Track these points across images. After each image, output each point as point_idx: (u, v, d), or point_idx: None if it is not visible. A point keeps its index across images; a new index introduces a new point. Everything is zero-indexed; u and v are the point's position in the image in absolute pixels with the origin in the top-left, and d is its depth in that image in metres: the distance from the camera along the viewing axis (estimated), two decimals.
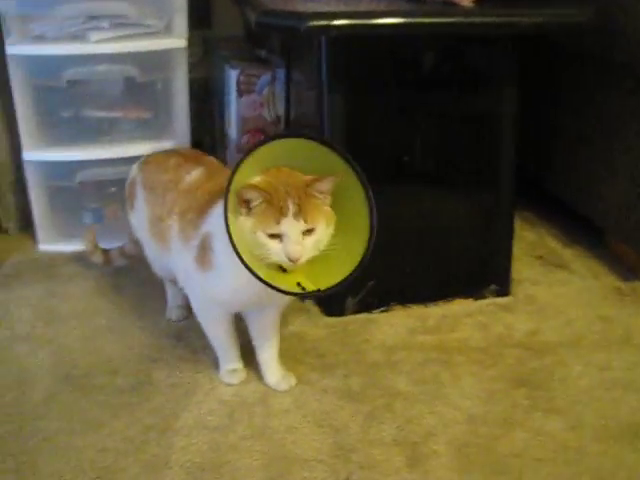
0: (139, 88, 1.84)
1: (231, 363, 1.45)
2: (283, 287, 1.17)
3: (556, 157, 2.05)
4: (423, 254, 1.71)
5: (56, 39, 1.71)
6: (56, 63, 1.72)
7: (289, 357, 1.51)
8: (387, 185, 1.63)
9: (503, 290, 1.78)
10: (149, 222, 1.47)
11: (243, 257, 1.13)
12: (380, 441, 1.32)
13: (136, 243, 1.61)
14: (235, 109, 1.95)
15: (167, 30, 1.79)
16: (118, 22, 1.74)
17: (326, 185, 1.19)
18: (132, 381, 1.44)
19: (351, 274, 1.20)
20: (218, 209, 1.22)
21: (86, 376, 1.45)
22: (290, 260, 1.16)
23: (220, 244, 1.23)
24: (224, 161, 2.12)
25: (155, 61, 1.79)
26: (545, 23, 1.41)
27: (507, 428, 1.36)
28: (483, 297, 1.76)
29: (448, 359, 1.55)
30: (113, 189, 1.89)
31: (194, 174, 1.39)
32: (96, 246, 1.72)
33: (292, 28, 1.34)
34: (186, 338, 1.56)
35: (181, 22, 1.77)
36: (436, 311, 1.71)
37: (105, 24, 1.73)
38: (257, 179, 1.18)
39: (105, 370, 1.47)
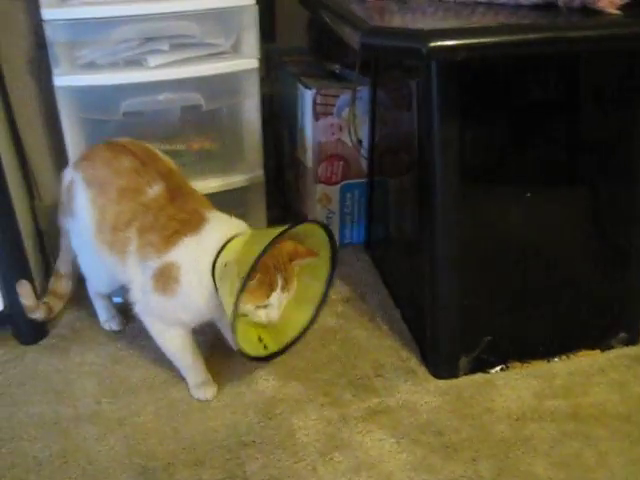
0: (202, 115, 1.61)
1: (199, 376, 1.40)
2: (251, 354, 1.29)
3: None
4: (542, 301, 1.47)
5: (109, 66, 1.48)
6: (110, 94, 1.49)
7: (402, 434, 1.29)
8: (504, 223, 1.40)
9: (633, 337, 1.53)
10: (98, 227, 1.35)
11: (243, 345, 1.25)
12: None
13: (67, 277, 1.53)
14: (311, 134, 1.72)
15: (235, 49, 1.55)
16: (179, 43, 1.51)
17: (306, 262, 1.27)
18: (222, 476, 1.22)
19: (305, 329, 1.35)
20: (188, 241, 1.26)
21: (166, 469, 1.23)
22: (270, 322, 1.26)
23: (187, 277, 1.26)
24: (297, 189, 1.90)
25: (223, 86, 1.55)
26: None
27: None
28: (610, 347, 1.52)
29: (588, 432, 1.31)
30: None
31: (156, 189, 1.31)
32: (37, 299, 1.50)
33: (410, 50, 1.09)
34: (278, 415, 1.34)
35: (251, 39, 1.52)
36: (560, 367, 1.47)
37: (164, 46, 1.50)
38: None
39: (189, 461, 1.25)
